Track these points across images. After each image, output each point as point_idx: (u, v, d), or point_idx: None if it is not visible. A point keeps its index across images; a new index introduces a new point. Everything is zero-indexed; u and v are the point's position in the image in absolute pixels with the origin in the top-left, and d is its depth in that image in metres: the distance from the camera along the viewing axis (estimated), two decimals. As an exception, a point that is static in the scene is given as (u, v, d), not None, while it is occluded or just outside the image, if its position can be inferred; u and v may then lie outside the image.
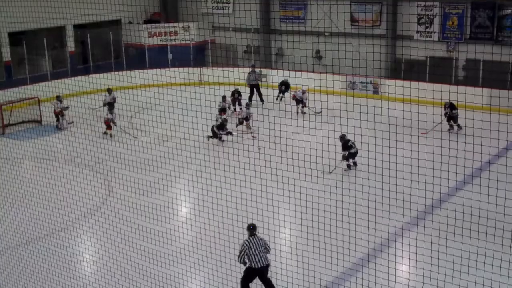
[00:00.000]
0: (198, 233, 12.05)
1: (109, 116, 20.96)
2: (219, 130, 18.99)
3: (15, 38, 27.61)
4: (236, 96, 23.79)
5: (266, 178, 11.20)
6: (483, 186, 8.80)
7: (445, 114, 20.30)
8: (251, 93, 25.37)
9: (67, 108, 22.43)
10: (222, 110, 21.10)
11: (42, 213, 13.17)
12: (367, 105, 19.98)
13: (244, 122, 20.16)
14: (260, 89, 25.44)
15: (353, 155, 16.39)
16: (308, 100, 21.20)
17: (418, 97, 9.84)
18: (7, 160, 18.11)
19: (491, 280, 8.64)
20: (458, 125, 19.99)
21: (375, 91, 26.28)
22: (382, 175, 9.96)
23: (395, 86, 11.02)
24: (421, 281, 8.92)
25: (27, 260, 11.85)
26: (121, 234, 11.57)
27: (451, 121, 20.23)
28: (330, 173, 16.15)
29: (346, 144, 16.23)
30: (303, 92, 21.82)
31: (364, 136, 11.56)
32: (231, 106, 23.66)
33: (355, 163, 16.52)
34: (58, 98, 22.38)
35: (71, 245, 13.16)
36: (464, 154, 9.32)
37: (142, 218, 12.23)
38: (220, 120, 19.19)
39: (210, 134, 19.12)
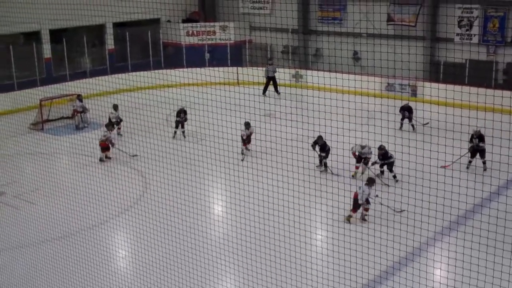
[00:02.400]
0: (233, 232, 12.05)
1: (108, 135, 18.61)
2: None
3: (56, 35, 28.03)
4: (182, 116, 20.47)
5: (302, 179, 11.13)
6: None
7: (471, 147, 16.74)
8: (267, 84, 27.11)
9: (87, 109, 22.43)
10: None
11: (79, 208, 13.34)
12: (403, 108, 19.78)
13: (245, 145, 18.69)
14: (277, 80, 27.14)
15: (391, 165, 16.03)
16: (374, 155, 16.30)
17: (453, 99, 9.66)
18: (45, 155, 18.37)
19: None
20: (484, 163, 16.70)
21: (413, 93, 25.98)
22: (416, 177, 9.81)
23: (432, 88, 10.82)
24: None
25: (62, 254, 12.00)
26: (156, 231, 11.64)
27: (477, 154, 16.78)
28: (362, 174, 16.09)
29: (386, 155, 15.88)
30: (363, 147, 16.23)
31: (403, 139, 11.39)
32: (176, 128, 20.57)
33: (394, 176, 16.02)
34: (79, 97, 22.50)
35: (106, 241, 13.30)
36: (509, 158, 9.10)
37: (177, 216, 12.27)
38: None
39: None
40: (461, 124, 10.18)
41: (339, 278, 9.54)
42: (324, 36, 29.07)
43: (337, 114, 10.45)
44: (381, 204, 13.28)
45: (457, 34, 26.57)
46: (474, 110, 10.19)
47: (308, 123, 11.36)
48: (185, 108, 20.15)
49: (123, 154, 18.29)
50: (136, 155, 17.95)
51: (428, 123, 18.85)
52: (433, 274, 11.00)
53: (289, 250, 11.02)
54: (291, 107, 13.45)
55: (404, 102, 21.15)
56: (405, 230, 9.68)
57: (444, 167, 13.21)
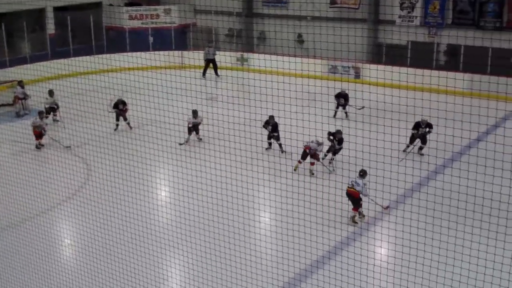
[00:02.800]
0: (177, 217, 11.99)
1: (39, 122, 18.14)
2: None
3: (-6, 20, 27.20)
4: (121, 107, 19.76)
5: (247, 162, 11.15)
6: (463, 170, 8.82)
7: (414, 134, 16.74)
8: (206, 66, 27.37)
9: (28, 96, 21.81)
10: None
11: (20, 197, 13.02)
12: (348, 89, 20.02)
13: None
14: (217, 63, 27.18)
15: (337, 151, 16.17)
16: (323, 152, 16.27)
17: (399, 81, 9.83)
18: (-15, 143, 17.88)
19: (469, 263, 8.70)
20: (422, 148, 16.86)
21: (356, 75, 26.32)
22: (362, 159, 9.95)
23: (374, 70, 10.97)
24: (400, 264, 8.95)
25: (5, 245, 11.73)
26: (100, 219, 11.48)
27: (416, 141, 16.82)
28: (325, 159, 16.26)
29: (341, 140, 15.82)
30: (318, 143, 15.71)
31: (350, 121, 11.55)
32: (117, 120, 19.82)
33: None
34: (20, 83, 21.93)
35: (50, 229, 13.05)
36: (444, 138, 9.32)
37: (122, 203, 12.14)
38: None
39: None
40: (406, 105, 10.35)
41: (283, 259, 9.63)
42: (269, 19, 29.10)
43: (283, 97, 10.49)
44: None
45: (399, 16, 26.97)
46: (417, 91, 10.41)
47: (251, 106, 11.34)
48: (123, 99, 19.58)
49: (65, 140, 17.95)
50: (69, 147, 17.66)
51: (363, 107, 17.78)
52: (374, 252, 11.20)
53: (238, 234, 11.04)
54: (233, 90, 13.43)
55: (343, 88, 20.61)
56: (346, 210, 9.84)
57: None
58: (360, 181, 12.50)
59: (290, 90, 10.65)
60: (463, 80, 17.00)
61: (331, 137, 16.11)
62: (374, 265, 9.76)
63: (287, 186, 11.15)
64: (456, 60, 25.52)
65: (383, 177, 9.07)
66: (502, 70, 23.02)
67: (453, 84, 14.72)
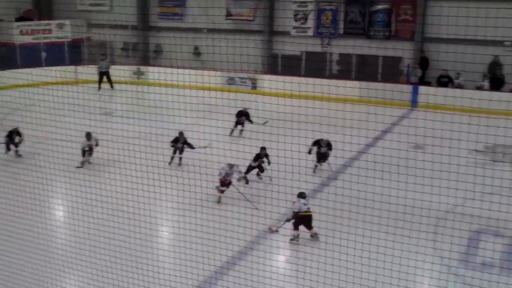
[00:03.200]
0: (72, 236, 11.70)
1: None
2: None
3: None
4: (13, 137, 17.93)
5: (152, 178, 11.05)
6: (353, 175, 9.16)
7: (318, 152, 16.18)
8: (100, 80, 27.34)
9: None
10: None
11: None
12: (243, 100, 20.21)
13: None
14: (110, 76, 27.30)
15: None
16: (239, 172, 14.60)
17: (291, 90, 10.06)
18: None
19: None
20: (329, 164, 16.24)
21: (253, 86, 26.70)
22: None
23: (270, 80, 11.19)
24: (296, 269, 9.15)
25: None
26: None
27: (322, 160, 16.24)
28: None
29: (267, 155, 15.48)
30: (231, 166, 14.43)
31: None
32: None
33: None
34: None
35: None
36: (342, 145, 9.63)
37: (15, 220, 11.71)
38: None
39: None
40: (299, 114, 10.59)
41: (182, 267, 9.62)
42: (165, 31, 29.04)
43: (180, 109, 10.48)
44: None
45: (293, 28, 27.65)
46: (316, 100, 10.70)
47: (146, 119, 11.27)
48: (18, 129, 17.79)
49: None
50: None
51: (267, 121, 17.38)
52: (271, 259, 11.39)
53: (140, 245, 10.91)
54: (128, 104, 13.26)
55: (245, 107, 19.66)
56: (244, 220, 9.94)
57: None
58: (307, 202, 12.07)
59: (186, 103, 10.66)
60: (353, 88, 17.60)
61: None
62: (271, 272, 9.93)
63: (190, 200, 11.15)
64: (348, 68, 26.46)
65: (279, 185, 9.25)
66: (391, 77, 24.13)
67: (345, 92, 15.21)
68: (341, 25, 27.23)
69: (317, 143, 16.09)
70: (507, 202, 8.42)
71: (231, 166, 14.29)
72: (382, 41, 25.76)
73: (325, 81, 17.83)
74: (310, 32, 27.52)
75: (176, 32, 27.35)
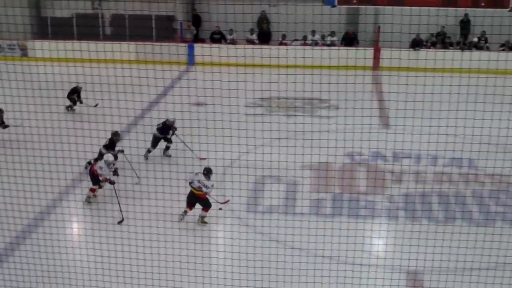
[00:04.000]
0: None
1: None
2: None
3: None
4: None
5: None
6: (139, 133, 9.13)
7: (156, 136, 14.50)
8: None
9: None
10: None
11: None
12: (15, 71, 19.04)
13: None
14: None
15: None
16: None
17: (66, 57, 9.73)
18: None
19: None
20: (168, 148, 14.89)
21: (24, 53, 25.24)
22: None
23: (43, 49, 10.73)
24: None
25: None
26: None
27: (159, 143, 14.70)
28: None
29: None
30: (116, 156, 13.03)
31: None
32: None
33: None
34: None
35: None
36: (118, 111, 9.54)
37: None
38: None
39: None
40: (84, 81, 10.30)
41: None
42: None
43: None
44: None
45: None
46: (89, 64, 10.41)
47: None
48: None
49: None
50: None
51: (97, 104, 16.51)
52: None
53: None
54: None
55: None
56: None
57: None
58: (209, 184, 11.37)
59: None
60: (129, 51, 17.40)
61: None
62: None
63: None
64: (122, 30, 26.02)
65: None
66: (166, 36, 24.31)
67: (120, 56, 14.75)
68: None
69: (167, 128, 14.44)
70: (285, 151, 9.00)
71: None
72: (155, -1, 25.65)
73: (100, 44, 17.28)
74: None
75: None
